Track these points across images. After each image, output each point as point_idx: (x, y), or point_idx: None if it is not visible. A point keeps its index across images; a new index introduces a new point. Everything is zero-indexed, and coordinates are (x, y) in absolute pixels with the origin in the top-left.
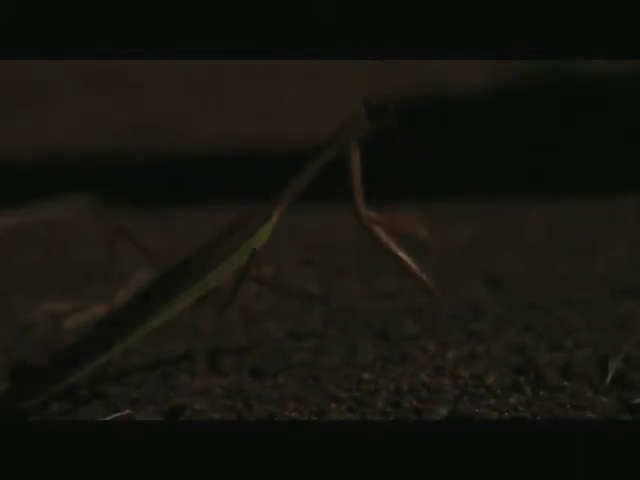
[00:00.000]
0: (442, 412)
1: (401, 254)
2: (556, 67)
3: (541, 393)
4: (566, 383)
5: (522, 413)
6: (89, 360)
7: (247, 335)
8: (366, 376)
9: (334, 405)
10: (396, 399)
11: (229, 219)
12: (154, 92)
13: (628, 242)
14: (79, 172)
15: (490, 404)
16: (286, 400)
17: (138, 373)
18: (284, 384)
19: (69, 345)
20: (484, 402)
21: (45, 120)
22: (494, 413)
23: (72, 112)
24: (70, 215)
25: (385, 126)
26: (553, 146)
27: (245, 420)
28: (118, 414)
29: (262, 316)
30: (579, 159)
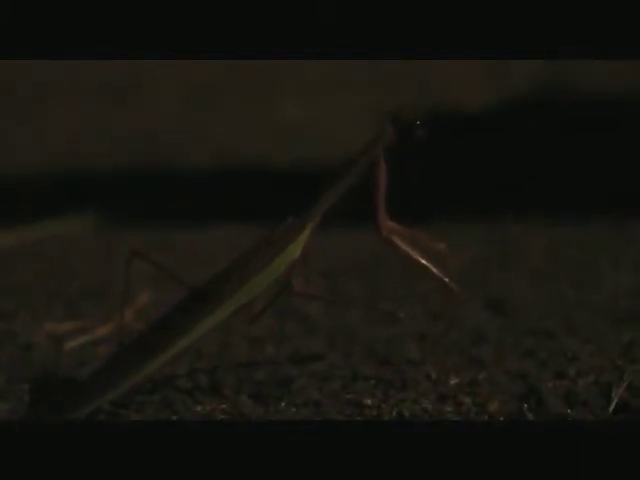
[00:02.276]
0: None
1: (422, 260)
2: (557, 84)
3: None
4: (569, 411)
5: None
6: (121, 381)
7: (249, 359)
8: (368, 402)
9: None
10: None
11: (243, 234)
12: (154, 105)
13: (632, 266)
14: (78, 185)
15: None
16: None
17: (139, 395)
18: (286, 409)
19: (99, 367)
20: None
21: (44, 131)
22: None
23: (72, 123)
24: (72, 232)
25: (414, 140)
26: (556, 166)
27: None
28: None
29: (264, 340)
30: (583, 180)
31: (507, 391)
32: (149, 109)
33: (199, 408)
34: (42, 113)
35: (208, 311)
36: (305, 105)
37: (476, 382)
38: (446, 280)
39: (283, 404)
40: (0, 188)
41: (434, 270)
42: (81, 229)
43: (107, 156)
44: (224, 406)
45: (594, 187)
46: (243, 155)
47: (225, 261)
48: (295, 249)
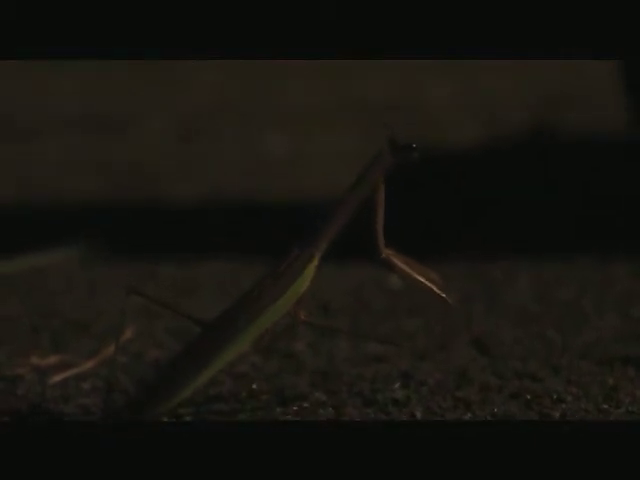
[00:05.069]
0: None
1: (420, 278)
2: (542, 125)
3: None
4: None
5: None
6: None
7: (234, 396)
8: None
9: None
10: None
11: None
12: (143, 139)
13: (616, 307)
14: (63, 218)
15: None
16: None
17: None
18: None
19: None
20: None
21: (32, 165)
22: None
23: (58, 155)
24: (58, 265)
25: (408, 164)
26: (543, 208)
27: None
28: None
29: (249, 376)
30: (569, 222)
31: None
32: (136, 142)
33: None
34: (33, 144)
35: (221, 346)
36: (293, 141)
37: None
38: (444, 297)
39: None
40: None
41: (433, 288)
42: (66, 262)
43: (94, 189)
44: None
45: (578, 228)
46: (231, 189)
47: (215, 295)
48: (304, 280)
